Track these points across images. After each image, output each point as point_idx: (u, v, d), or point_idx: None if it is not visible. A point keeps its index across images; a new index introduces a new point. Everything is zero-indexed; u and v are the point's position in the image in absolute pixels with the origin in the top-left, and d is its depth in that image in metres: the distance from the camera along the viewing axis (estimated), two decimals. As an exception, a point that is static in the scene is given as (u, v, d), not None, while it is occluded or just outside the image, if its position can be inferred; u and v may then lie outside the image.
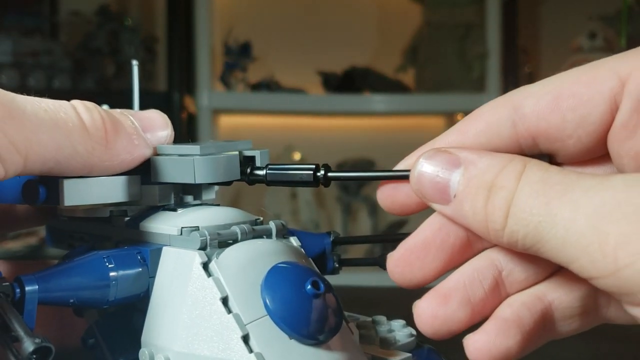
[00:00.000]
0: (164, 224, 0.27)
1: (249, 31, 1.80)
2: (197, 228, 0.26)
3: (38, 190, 0.26)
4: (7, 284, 0.23)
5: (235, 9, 1.88)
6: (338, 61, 1.81)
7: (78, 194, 0.26)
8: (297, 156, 1.78)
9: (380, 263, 0.32)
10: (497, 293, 0.26)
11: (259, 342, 0.23)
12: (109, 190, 0.27)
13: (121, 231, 0.28)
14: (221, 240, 0.26)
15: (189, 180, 0.27)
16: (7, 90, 0.25)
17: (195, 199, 0.29)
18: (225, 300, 0.24)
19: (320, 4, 1.93)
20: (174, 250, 0.26)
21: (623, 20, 1.87)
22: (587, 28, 1.83)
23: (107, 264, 0.25)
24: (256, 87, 1.76)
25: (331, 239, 0.33)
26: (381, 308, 0.35)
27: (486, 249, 0.26)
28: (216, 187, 0.30)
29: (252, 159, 0.29)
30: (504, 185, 0.23)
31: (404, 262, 0.26)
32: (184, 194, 0.29)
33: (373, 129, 1.92)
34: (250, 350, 0.23)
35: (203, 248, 0.25)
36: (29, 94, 0.27)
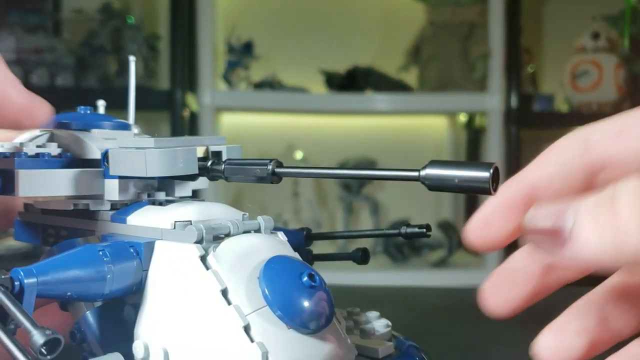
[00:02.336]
0: (154, 218, 0.27)
1: (251, 29, 1.80)
2: (189, 222, 0.26)
3: None
4: (7, 276, 0.23)
5: (238, 8, 1.88)
6: (341, 60, 1.81)
7: (34, 185, 0.26)
8: (299, 155, 1.78)
9: (354, 257, 0.34)
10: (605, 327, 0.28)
11: (260, 331, 0.24)
12: (67, 183, 0.27)
13: (105, 225, 0.28)
14: (215, 235, 0.26)
15: (140, 173, 0.27)
16: None
17: (167, 195, 0.29)
18: (224, 292, 0.24)
19: (323, 3, 1.93)
20: (169, 244, 0.26)
21: (626, 20, 1.87)
22: (590, 28, 1.83)
23: (103, 257, 0.25)
24: (258, 85, 1.76)
25: (304, 234, 0.34)
26: (353, 303, 0.35)
27: (563, 276, 0.29)
28: (192, 184, 0.30)
29: (218, 154, 0.28)
30: (627, 187, 0.22)
31: (494, 289, 0.28)
32: (158, 190, 0.29)
33: (375, 128, 1.92)
34: (252, 340, 0.23)
35: (199, 241, 0.26)
36: (32, 91, 0.28)
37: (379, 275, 1.62)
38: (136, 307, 0.26)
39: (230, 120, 1.84)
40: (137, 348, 0.25)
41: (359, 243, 1.50)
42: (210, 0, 1.65)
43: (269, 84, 1.75)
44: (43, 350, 0.21)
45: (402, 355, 0.29)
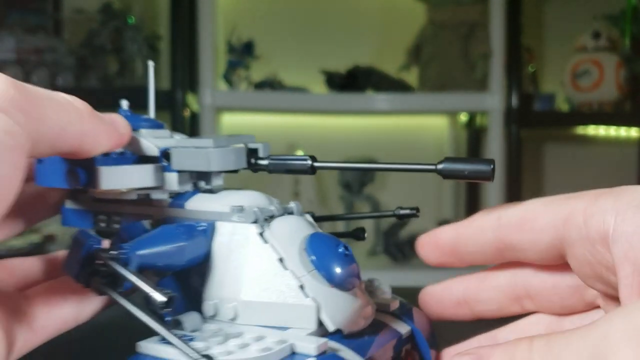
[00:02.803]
0: (212, 203, 0.33)
1: (252, 29, 1.80)
2: (241, 207, 0.32)
3: (78, 175, 0.30)
4: (116, 252, 0.28)
5: (238, 7, 1.88)
6: (341, 60, 1.81)
7: (114, 178, 0.31)
8: (299, 154, 1.78)
9: (355, 235, 0.40)
10: None
11: (311, 289, 0.30)
12: (140, 176, 0.32)
13: (165, 211, 0.34)
14: (264, 216, 0.32)
15: (204, 168, 0.33)
16: None
17: (207, 184, 0.35)
18: (281, 260, 0.30)
19: (324, 2, 1.93)
20: (231, 224, 0.32)
21: (627, 20, 1.87)
22: (591, 27, 1.83)
23: (180, 235, 0.31)
24: (259, 85, 1.76)
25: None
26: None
27: (476, 312, 0.36)
28: (223, 174, 0.36)
29: (255, 150, 0.35)
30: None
31: (425, 297, 0.38)
32: (198, 180, 0.35)
33: (376, 127, 1.92)
34: (307, 296, 0.30)
35: (255, 221, 0.31)
36: None
37: (379, 275, 1.62)
38: (201, 275, 0.32)
39: (230, 120, 1.84)
40: (208, 307, 0.31)
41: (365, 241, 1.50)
42: (211, 0, 1.66)
43: (270, 84, 1.75)
44: (163, 306, 0.26)
45: (405, 313, 0.35)
